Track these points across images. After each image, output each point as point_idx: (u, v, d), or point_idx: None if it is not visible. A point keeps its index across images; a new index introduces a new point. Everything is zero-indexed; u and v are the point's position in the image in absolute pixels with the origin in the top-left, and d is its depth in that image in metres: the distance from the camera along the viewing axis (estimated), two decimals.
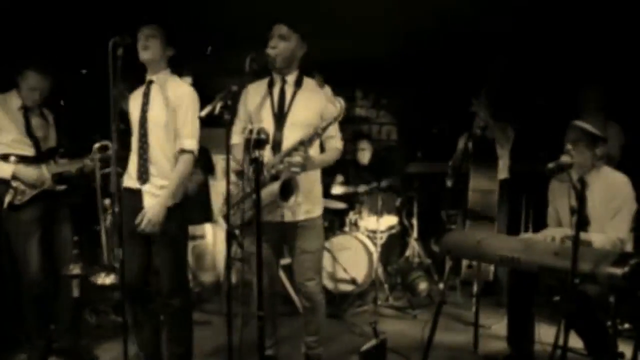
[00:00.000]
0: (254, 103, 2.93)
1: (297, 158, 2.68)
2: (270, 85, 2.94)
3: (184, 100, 2.89)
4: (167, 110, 2.88)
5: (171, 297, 2.95)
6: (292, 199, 2.72)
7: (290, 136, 2.82)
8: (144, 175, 2.89)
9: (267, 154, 2.80)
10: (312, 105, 2.88)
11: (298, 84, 2.93)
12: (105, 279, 3.15)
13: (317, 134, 2.76)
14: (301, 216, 2.93)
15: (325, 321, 3.14)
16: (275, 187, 2.68)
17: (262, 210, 2.47)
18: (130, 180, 2.95)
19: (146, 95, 2.92)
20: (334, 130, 2.95)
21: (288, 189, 2.71)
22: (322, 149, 3.04)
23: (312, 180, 2.96)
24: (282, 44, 2.81)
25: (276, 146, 2.84)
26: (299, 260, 2.98)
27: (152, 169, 2.90)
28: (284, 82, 2.91)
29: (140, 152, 2.89)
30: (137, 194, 2.90)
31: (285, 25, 2.81)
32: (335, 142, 2.99)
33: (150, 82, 2.94)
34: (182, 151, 2.90)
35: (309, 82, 2.96)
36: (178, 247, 2.99)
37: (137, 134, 2.92)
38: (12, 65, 3.29)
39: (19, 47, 3.61)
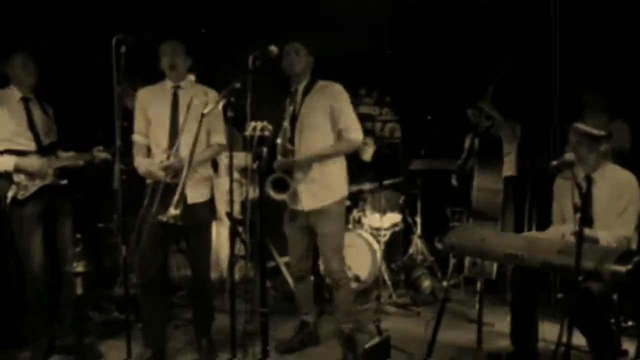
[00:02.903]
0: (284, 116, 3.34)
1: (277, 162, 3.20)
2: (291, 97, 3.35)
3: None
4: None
5: (209, 279, 3.38)
6: (287, 192, 3.17)
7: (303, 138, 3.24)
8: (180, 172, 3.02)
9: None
10: (316, 106, 3.24)
11: (307, 90, 3.28)
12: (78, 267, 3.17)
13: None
14: (315, 205, 3.27)
15: (350, 299, 3.47)
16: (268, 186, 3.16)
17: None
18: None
19: (175, 100, 3.12)
20: (345, 123, 3.23)
21: (281, 184, 3.16)
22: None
23: (325, 170, 3.26)
24: (297, 58, 3.22)
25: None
26: (319, 243, 3.35)
27: None
28: (296, 91, 3.31)
29: (176, 153, 3.04)
30: (172, 188, 2.97)
31: (296, 43, 3.22)
32: (347, 134, 3.24)
33: (177, 87, 3.14)
34: (218, 145, 3.25)
35: (318, 86, 3.29)
36: (210, 237, 3.33)
37: (167, 134, 3.08)
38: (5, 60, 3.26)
39: (15, 43, 3.57)
